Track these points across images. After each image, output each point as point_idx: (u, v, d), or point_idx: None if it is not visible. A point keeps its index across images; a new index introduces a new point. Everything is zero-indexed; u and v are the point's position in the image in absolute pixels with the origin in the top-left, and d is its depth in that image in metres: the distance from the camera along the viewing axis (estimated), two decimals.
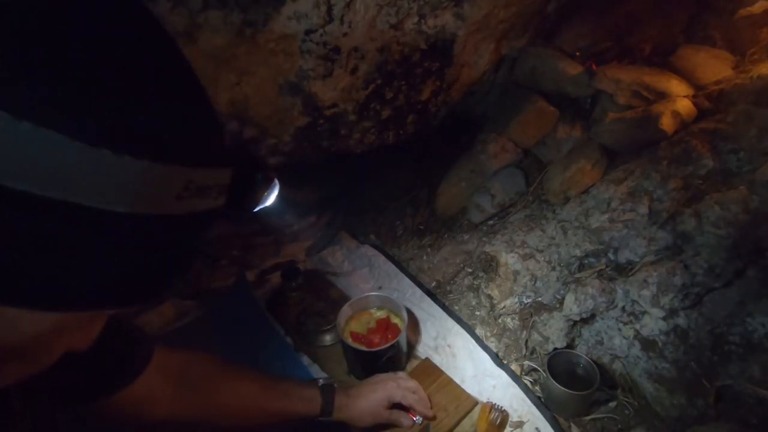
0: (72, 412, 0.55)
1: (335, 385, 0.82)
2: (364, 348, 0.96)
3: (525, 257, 1.13)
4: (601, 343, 0.98)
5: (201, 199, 0.28)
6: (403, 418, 0.86)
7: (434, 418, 0.90)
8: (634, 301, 0.94)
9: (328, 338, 1.11)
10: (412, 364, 1.05)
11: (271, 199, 0.44)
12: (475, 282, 1.19)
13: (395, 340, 0.95)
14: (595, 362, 0.94)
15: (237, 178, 0.33)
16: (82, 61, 0.22)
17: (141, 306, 0.31)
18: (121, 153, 0.22)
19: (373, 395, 0.84)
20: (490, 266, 1.18)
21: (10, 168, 0.20)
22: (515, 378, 0.98)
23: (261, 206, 0.43)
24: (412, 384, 0.89)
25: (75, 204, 0.22)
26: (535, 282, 1.10)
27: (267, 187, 0.41)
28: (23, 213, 0.21)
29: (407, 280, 1.25)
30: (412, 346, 1.08)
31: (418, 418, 0.87)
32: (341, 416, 0.81)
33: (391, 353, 0.96)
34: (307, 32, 0.96)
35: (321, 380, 0.82)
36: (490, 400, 0.94)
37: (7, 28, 0.20)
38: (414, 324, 1.13)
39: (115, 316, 0.56)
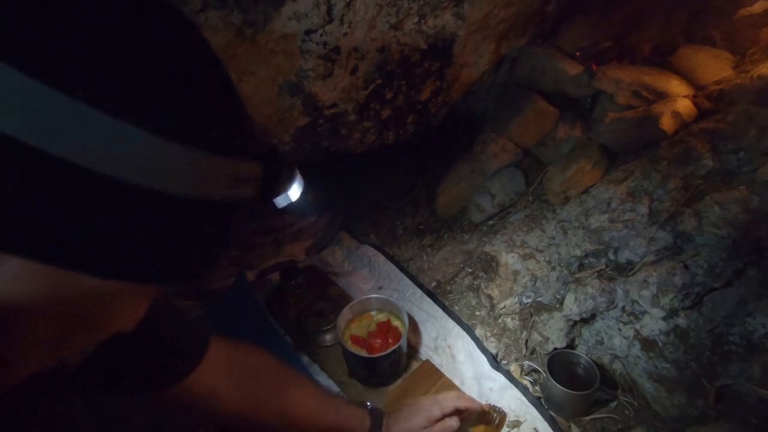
0: (129, 405, 0.56)
1: (381, 409, 0.84)
2: (365, 354, 0.96)
3: (525, 257, 1.13)
4: (601, 343, 0.98)
5: (238, 187, 0.31)
6: (449, 423, 0.85)
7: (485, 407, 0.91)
8: (634, 301, 0.94)
9: (328, 338, 1.11)
10: (412, 365, 1.05)
11: (297, 193, 0.46)
12: (475, 282, 1.19)
13: (396, 345, 0.95)
14: (595, 362, 0.94)
15: (267, 171, 0.36)
16: (150, 67, 0.26)
17: (183, 281, 0.33)
18: (187, 146, 0.26)
19: (416, 416, 0.84)
20: (490, 266, 1.18)
21: (91, 155, 0.23)
22: (513, 379, 0.98)
23: (288, 200, 0.45)
24: (451, 402, 0.88)
25: (137, 185, 0.25)
26: (535, 282, 1.10)
27: (292, 180, 0.43)
28: (98, 192, 0.24)
29: (407, 281, 1.25)
30: (412, 347, 1.08)
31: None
32: None
33: (392, 358, 0.95)
34: (307, 32, 0.96)
35: (369, 404, 0.85)
36: (489, 402, 0.94)
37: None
38: (414, 325, 1.13)
39: (168, 309, 0.57)
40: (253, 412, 0.67)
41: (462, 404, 0.87)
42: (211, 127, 0.29)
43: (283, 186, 0.42)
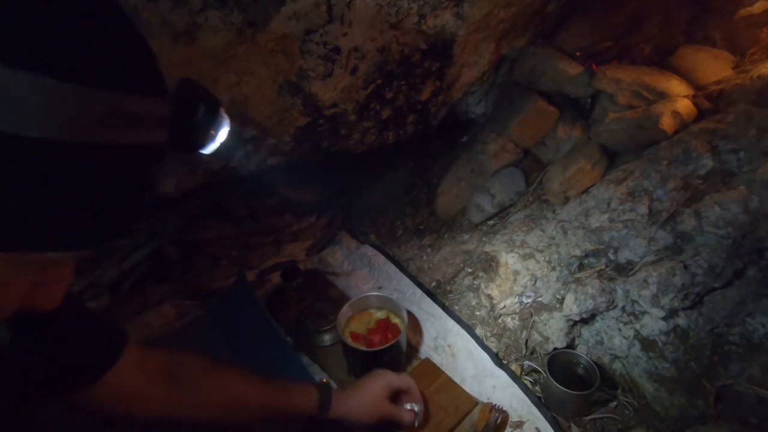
0: (51, 409, 0.56)
1: (328, 382, 0.83)
2: (364, 348, 0.96)
3: (525, 257, 1.13)
4: (601, 343, 0.98)
5: (133, 129, 0.27)
6: (405, 414, 0.84)
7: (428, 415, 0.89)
8: (634, 301, 0.94)
9: (327, 338, 1.11)
10: (412, 364, 1.05)
11: (221, 137, 0.42)
12: (475, 282, 1.19)
13: (395, 340, 0.95)
14: (595, 362, 0.94)
15: (177, 111, 0.32)
16: None
17: (89, 248, 0.29)
18: (25, 70, 0.22)
19: (372, 386, 0.82)
20: (490, 266, 1.18)
21: None
22: (515, 378, 0.98)
23: (210, 145, 0.41)
24: (407, 379, 0.88)
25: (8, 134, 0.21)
26: (535, 282, 1.10)
27: (213, 121, 0.39)
28: None
29: (407, 280, 1.25)
30: (412, 346, 1.08)
31: (417, 410, 0.85)
32: (340, 412, 0.79)
33: (391, 353, 0.96)
34: (307, 32, 0.96)
35: (317, 377, 0.83)
36: (490, 400, 0.94)
37: None
38: (414, 324, 1.13)
39: (86, 312, 0.57)
40: (185, 410, 0.67)
41: (414, 388, 0.86)
42: (85, 55, 0.24)
43: (204, 128, 0.38)
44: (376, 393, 0.81)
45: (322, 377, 0.88)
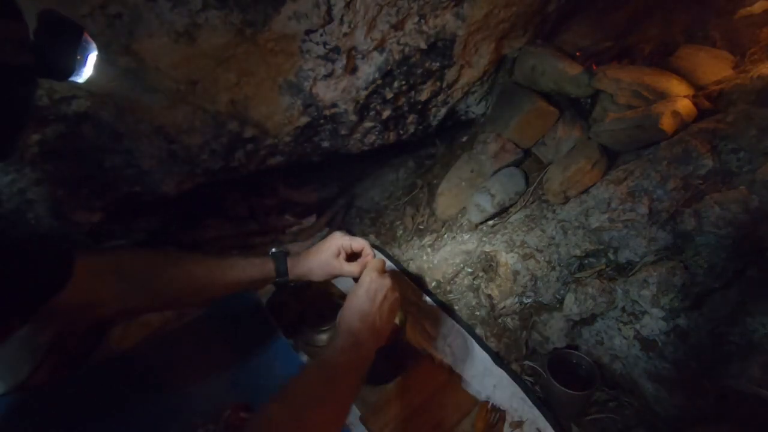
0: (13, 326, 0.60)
1: (286, 251, 0.89)
2: None
3: (525, 257, 1.13)
4: (601, 343, 0.98)
5: None
6: (355, 266, 0.89)
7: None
8: (634, 301, 0.94)
9: (327, 338, 1.11)
10: (412, 364, 1.05)
11: (90, 63, 0.44)
12: (475, 282, 1.19)
13: (394, 340, 0.95)
14: (595, 362, 0.94)
15: (40, 37, 0.33)
16: None
17: None
18: None
19: (321, 248, 0.90)
20: (490, 266, 1.18)
21: None
22: (515, 377, 0.98)
23: (81, 70, 0.43)
24: (361, 241, 0.93)
25: None
26: (535, 282, 1.10)
27: (78, 46, 0.41)
28: None
29: (407, 280, 1.26)
30: (411, 346, 1.08)
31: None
32: (297, 273, 0.88)
33: (390, 353, 0.95)
34: (307, 32, 0.97)
35: (273, 249, 0.89)
36: (490, 400, 0.94)
37: None
38: (414, 324, 1.13)
39: (32, 239, 0.61)
40: (144, 300, 0.72)
41: (369, 250, 0.92)
42: None
43: (69, 52, 0.40)
44: (329, 252, 0.89)
45: (272, 249, 0.93)
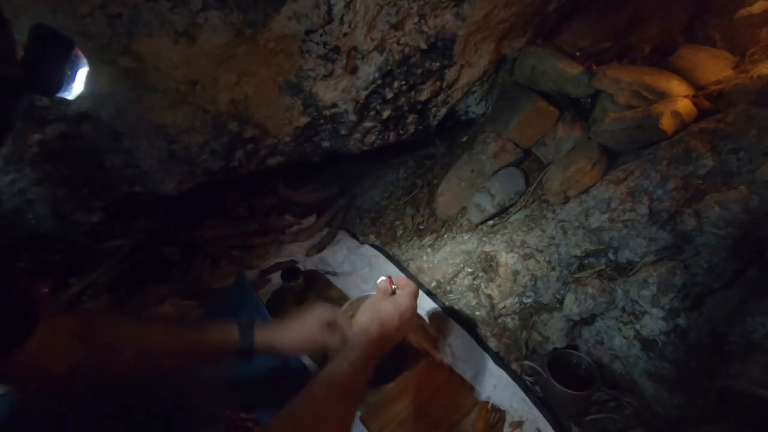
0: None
1: (252, 321, 0.82)
2: None
3: (525, 257, 1.13)
4: (601, 343, 0.98)
5: None
6: (337, 337, 0.83)
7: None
8: (634, 301, 0.94)
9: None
10: (412, 364, 1.05)
11: (81, 78, 0.44)
12: (475, 282, 1.19)
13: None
14: (595, 362, 0.94)
15: (30, 51, 0.33)
16: None
17: None
18: None
19: (306, 321, 0.83)
20: (490, 266, 1.18)
21: None
22: (515, 377, 0.98)
23: (71, 87, 0.43)
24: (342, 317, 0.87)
25: None
26: (535, 282, 1.10)
27: (67, 60, 0.40)
28: None
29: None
30: (412, 347, 1.08)
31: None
32: (269, 342, 0.79)
33: (390, 353, 0.95)
34: (307, 32, 0.97)
35: (245, 317, 0.82)
36: (490, 400, 0.94)
37: None
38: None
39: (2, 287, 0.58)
40: (99, 363, 0.68)
41: (342, 322, 0.84)
42: None
43: (58, 67, 0.39)
44: (313, 327, 0.82)
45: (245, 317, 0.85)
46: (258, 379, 0.98)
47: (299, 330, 0.82)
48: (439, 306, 1.16)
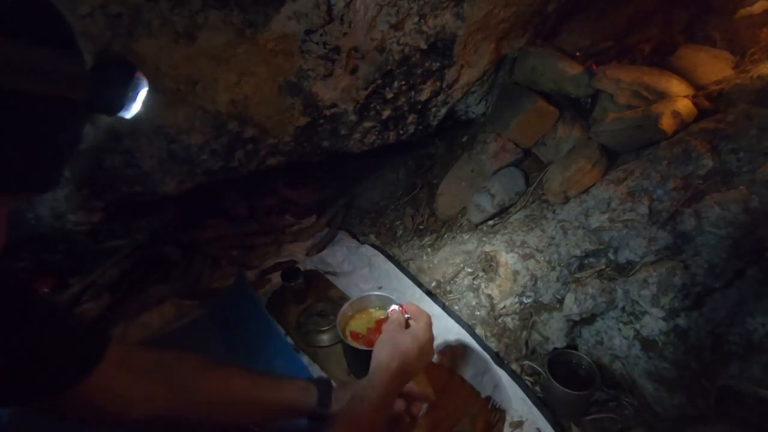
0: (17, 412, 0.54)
1: (331, 380, 0.80)
2: (364, 347, 0.96)
3: (525, 257, 1.13)
4: (601, 343, 0.98)
5: (39, 82, 0.31)
6: (403, 408, 0.81)
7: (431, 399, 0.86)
8: (634, 301, 0.94)
9: (327, 338, 1.11)
10: None
11: (140, 99, 0.46)
12: (475, 282, 1.19)
13: None
14: (595, 362, 0.94)
15: (96, 73, 0.36)
16: None
17: (7, 194, 0.33)
18: None
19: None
20: (490, 266, 1.18)
21: None
22: (515, 377, 0.98)
23: (131, 107, 0.45)
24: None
25: None
26: (535, 282, 1.10)
27: (130, 83, 0.43)
28: None
29: (407, 280, 1.25)
30: None
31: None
32: (340, 408, 0.76)
33: None
34: (307, 32, 0.97)
35: (317, 376, 0.81)
36: (490, 400, 0.94)
37: None
38: None
39: (62, 314, 0.56)
40: (176, 410, 0.65)
41: (417, 390, 0.82)
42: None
43: (122, 89, 0.42)
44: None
45: (319, 375, 0.85)
46: None
47: None
48: (439, 306, 1.16)
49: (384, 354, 0.75)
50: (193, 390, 0.67)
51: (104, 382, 0.57)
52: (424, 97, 1.26)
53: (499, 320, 1.11)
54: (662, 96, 1.11)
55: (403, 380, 0.76)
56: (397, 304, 0.87)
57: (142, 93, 0.47)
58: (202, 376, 0.68)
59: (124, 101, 0.44)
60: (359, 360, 0.99)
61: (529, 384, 0.99)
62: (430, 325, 0.83)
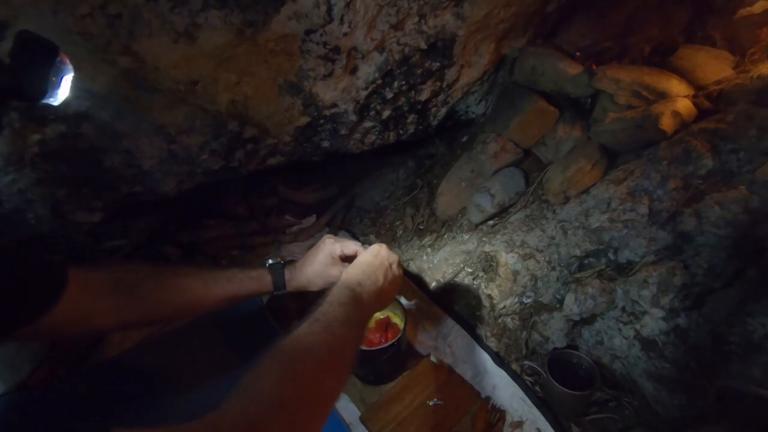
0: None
1: (282, 261, 0.86)
2: (363, 347, 0.96)
3: (525, 257, 1.13)
4: (601, 343, 0.98)
5: None
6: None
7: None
8: (634, 301, 0.94)
9: None
10: (413, 363, 1.05)
11: (66, 84, 0.44)
12: (475, 282, 1.19)
13: (395, 340, 0.95)
14: (595, 362, 0.94)
15: (14, 58, 0.34)
16: None
17: None
18: None
19: (315, 257, 0.86)
20: (490, 266, 1.18)
21: None
22: (515, 377, 0.98)
23: (56, 93, 0.43)
24: (352, 245, 0.89)
25: None
26: (535, 282, 1.10)
27: (52, 68, 0.41)
28: None
29: (407, 280, 1.25)
30: (411, 347, 1.08)
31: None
32: (295, 285, 0.85)
33: (390, 352, 0.96)
34: (307, 32, 0.96)
35: (269, 261, 0.86)
36: (490, 400, 0.94)
37: None
38: (414, 324, 1.13)
39: (22, 255, 0.59)
40: (138, 316, 0.71)
41: (362, 251, 0.85)
42: None
43: (44, 74, 0.39)
44: (323, 261, 0.85)
45: (269, 260, 0.89)
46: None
47: (313, 268, 0.85)
48: (439, 306, 1.16)
49: (344, 273, 0.77)
50: (153, 294, 0.72)
51: (72, 303, 0.62)
52: (424, 97, 1.26)
53: (499, 320, 1.11)
54: (662, 96, 1.11)
55: (376, 287, 0.76)
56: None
57: (68, 78, 0.44)
58: (156, 283, 0.74)
59: (46, 87, 0.42)
60: (359, 360, 0.99)
61: (529, 384, 0.99)
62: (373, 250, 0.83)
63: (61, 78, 0.43)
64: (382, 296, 0.77)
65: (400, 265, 0.83)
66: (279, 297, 1.15)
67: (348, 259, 0.90)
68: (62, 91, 0.44)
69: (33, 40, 0.40)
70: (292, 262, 0.89)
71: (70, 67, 0.44)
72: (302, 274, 0.86)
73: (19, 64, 0.36)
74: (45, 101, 0.43)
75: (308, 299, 1.20)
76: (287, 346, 0.61)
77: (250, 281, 0.82)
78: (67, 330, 0.65)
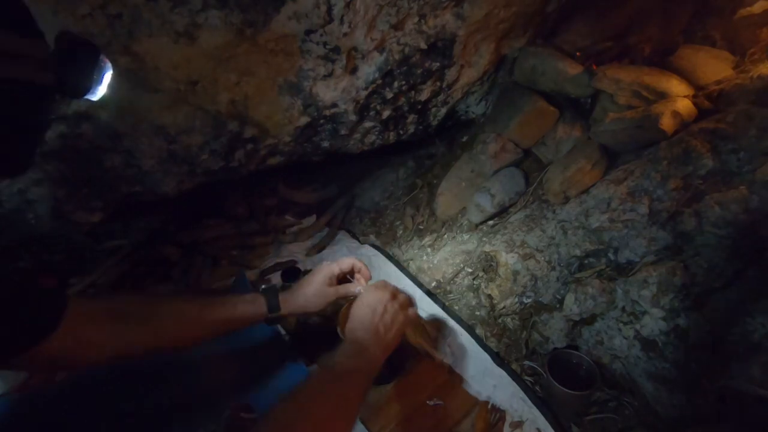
0: None
1: (277, 286, 0.88)
2: None
3: (525, 257, 1.13)
4: (601, 343, 0.98)
5: (3, 66, 0.31)
6: (350, 286, 0.89)
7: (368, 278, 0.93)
8: (634, 301, 0.94)
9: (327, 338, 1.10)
10: (412, 364, 1.05)
11: (106, 81, 0.48)
12: (475, 282, 1.19)
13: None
14: (595, 362, 0.94)
15: (61, 57, 0.36)
16: None
17: None
18: None
19: (313, 278, 0.89)
20: (490, 266, 1.18)
21: None
22: (515, 377, 0.98)
23: (97, 89, 0.47)
24: (348, 260, 0.92)
25: None
26: (535, 282, 1.10)
27: (95, 66, 0.44)
28: None
29: (407, 280, 1.25)
30: (412, 346, 1.08)
31: (358, 289, 0.89)
32: (289, 309, 0.86)
33: (390, 353, 0.95)
34: (307, 32, 0.97)
35: (263, 286, 0.88)
36: (490, 400, 0.94)
37: None
38: (414, 324, 1.12)
39: (20, 282, 0.60)
40: (136, 344, 0.72)
41: (359, 264, 0.91)
42: None
43: (87, 72, 0.43)
44: (320, 283, 0.88)
45: (262, 286, 0.92)
46: (258, 379, 0.98)
47: (311, 290, 0.88)
48: (439, 306, 1.16)
49: (348, 330, 0.79)
50: (150, 324, 0.74)
51: (71, 332, 0.63)
52: (424, 97, 1.26)
53: (499, 320, 1.11)
54: (662, 96, 1.11)
55: (378, 338, 0.78)
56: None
57: (108, 75, 0.48)
58: (152, 311, 0.75)
59: (90, 84, 0.45)
60: None
61: (529, 384, 0.99)
62: (373, 285, 0.87)
63: (103, 75, 0.47)
64: (386, 342, 0.80)
65: (394, 299, 0.84)
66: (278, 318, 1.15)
67: (345, 277, 0.92)
68: (102, 88, 0.48)
69: (75, 41, 0.43)
70: (290, 287, 0.91)
71: (110, 65, 0.49)
72: (299, 295, 0.87)
73: (64, 62, 0.39)
74: (87, 97, 0.47)
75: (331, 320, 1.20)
76: (303, 394, 0.66)
77: (244, 304, 0.83)
78: (64, 359, 0.65)
